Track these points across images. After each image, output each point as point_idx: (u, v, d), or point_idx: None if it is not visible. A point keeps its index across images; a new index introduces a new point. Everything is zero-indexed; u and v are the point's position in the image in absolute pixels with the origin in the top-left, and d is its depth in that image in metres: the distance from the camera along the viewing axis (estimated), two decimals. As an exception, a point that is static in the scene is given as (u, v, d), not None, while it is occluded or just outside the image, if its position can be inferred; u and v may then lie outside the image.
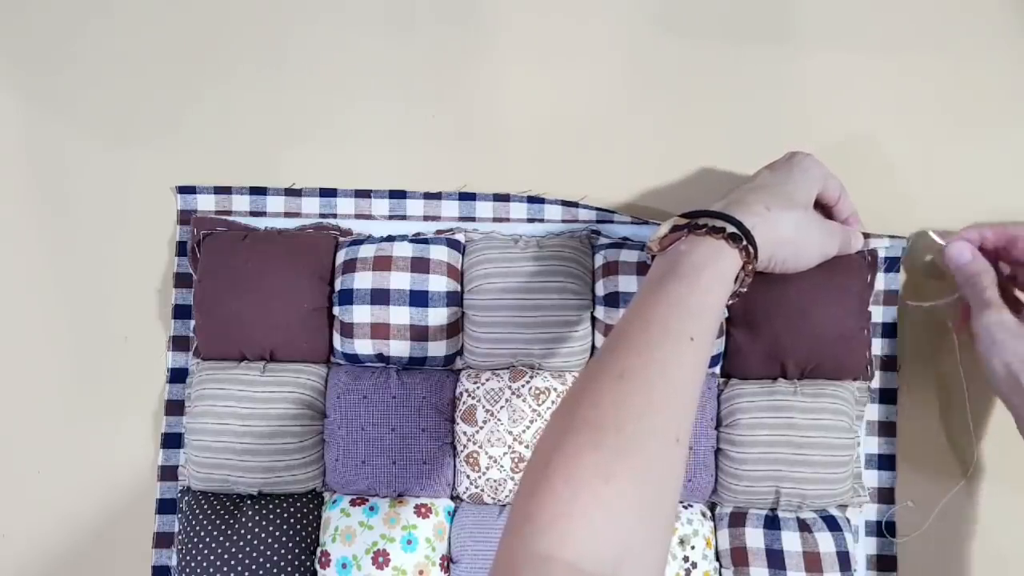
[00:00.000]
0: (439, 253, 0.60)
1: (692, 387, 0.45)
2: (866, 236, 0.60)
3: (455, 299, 0.59)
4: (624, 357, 0.44)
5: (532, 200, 0.62)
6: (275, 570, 0.58)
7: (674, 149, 0.63)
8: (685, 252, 0.49)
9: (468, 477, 0.59)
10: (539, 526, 0.38)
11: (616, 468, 0.40)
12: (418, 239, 0.61)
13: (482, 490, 0.59)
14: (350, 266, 0.59)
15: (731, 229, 0.49)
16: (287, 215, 0.63)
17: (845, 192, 0.58)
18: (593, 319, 0.60)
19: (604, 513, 0.39)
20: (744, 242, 0.49)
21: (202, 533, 0.58)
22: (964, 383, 0.62)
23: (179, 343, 0.63)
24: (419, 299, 0.58)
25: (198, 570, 0.58)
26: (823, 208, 0.59)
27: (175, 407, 0.63)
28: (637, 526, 0.40)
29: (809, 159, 0.56)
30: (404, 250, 0.59)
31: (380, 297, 0.58)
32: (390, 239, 0.61)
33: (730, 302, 0.51)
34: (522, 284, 0.59)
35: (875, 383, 0.61)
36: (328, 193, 0.63)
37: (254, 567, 0.57)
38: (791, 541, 0.57)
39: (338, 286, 0.60)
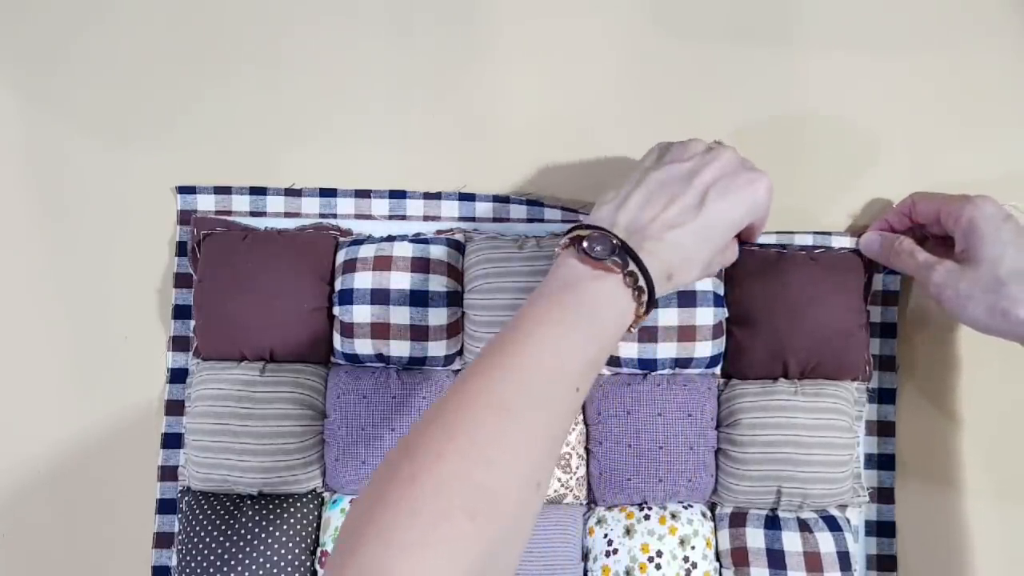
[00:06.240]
0: (439, 253, 0.60)
1: (564, 437, 0.45)
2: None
3: (455, 299, 0.59)
4: (515, 394, 0.42)
5: (531, 203, 0.62)
6: (275, 570, 0.58)
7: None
8: (607, 299, 0.46)
9: (468, 477, 0.59)
10: (397, 546, 0.37)
11: (482, 507, 0.38)
12: (418, 239, 0.61)
13: (482, 490, 0.59)
14: (350, 266, 0.59)
15: (647, 295, 0.47)
16: (287, 215, 0.63)
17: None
18: (593, 319, 0.60)
19: (463, 549, 0.38)
20: (646, 315, 0.48)
21: (202, 533, 0.58)
22: (964, 382, 0.62)
23: (179, 343, 0.63)
24: (419, 299, 0.58)
25: (198, 570, 0.58)
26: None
27: (175, 407, 0.63)
28: (490, 565, 0.39)
29: (764, 193, 0.51)
30: (404, 250, 0.59)
31: (380, 297, 0.58)
32: (390, 239, 0.61)
33: None
34: (522, 284, 0.59)
35: (874, 383, 0.61)
36: (328, 193, 0.63)
37: (254, 567, 0.57)
38: (792, 541, 0.57)
39: (338, 286, 0.60)
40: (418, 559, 0.37)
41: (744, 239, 0.57)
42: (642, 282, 0.47)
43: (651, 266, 0.47)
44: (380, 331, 0.58)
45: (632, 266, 0.47)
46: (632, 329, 0.48)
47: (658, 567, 0.57)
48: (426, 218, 0.63)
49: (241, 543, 0.58)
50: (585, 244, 0.47)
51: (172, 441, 0.62)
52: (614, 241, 0.47)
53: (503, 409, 0.41)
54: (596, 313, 0.46)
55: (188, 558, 0.58)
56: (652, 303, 0.48)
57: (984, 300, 0.53)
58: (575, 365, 0.44)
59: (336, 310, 0.59)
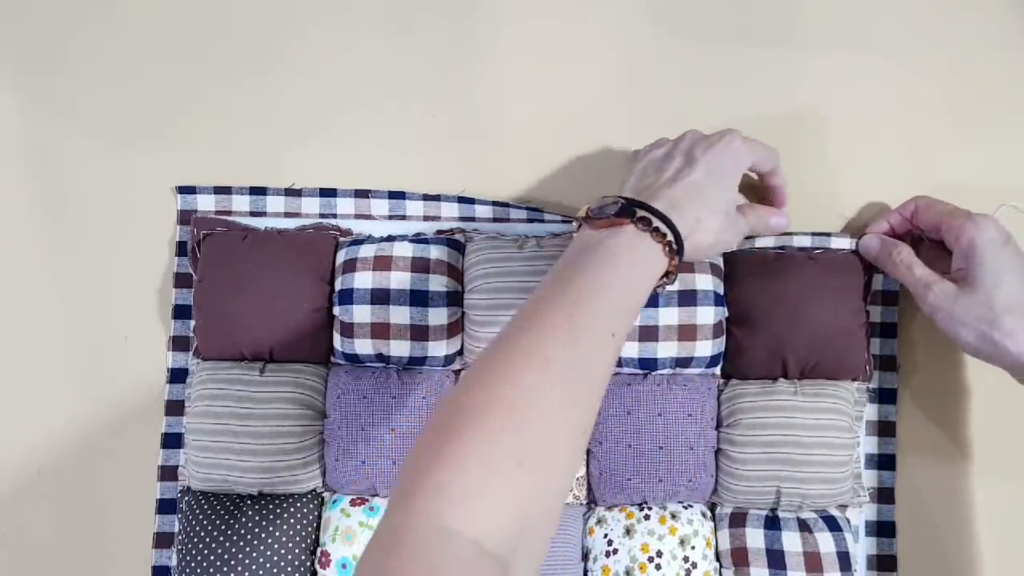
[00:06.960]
0: (439, 253, 0.60)
1: (605, 383, 0.46)
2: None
3: (455, 299, 0.59)
4: (551, 343, 0.43)
5: (531, 209, 0.62)
6: (275, 570, 0.58)
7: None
8: (625, 247, 0.48)
9: (468, 477, 0.59)
10: (449, 499, 0.38)
11: (530, 455, 0.40)
12: (418, 239, 0.61)
13: (482, 490, 0.59)
14: (350, 266, 0.59)
15: (670, 237, 0.49)
16: (287, 215, 0.63)
17: (778, 166, 0.58)
18: (593, 319, 0.60)
19: (512, 496, 0.39)
20: (678, 257, 0.50)
21: (202, 533, 0.58)
22: (964, 383, 0.62)
23: (179, 343, 0.63)
24: (419, 299, 0.58)
25: (198, 570, 0.58)
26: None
27: (175, 407, 0.63)
28: (536, 513, 0.40)
29: (739, 143, 0.55)
30: (404, 250, 0.59)
31: (380, 297, 0.58)
32: (390, 239, 0.61)
33: None
34: (522, 284, 0.58)
35: (874, 383, 0.61)
36: (328, 193, 0.63)
37: (254, 567, 0.57)
38: (791, 541, 0.57)
39: (338, 286, 0.60)
40: (470, 509, 0.38)
41: (768, 187, 0.59)
42: (658, 223, 0.49)
43: (665, 209, 0.50)
44: (380, 331, 0.58)
45: (642, 212, 0.49)
46: (671, 274, 0.50)
47: (658, 567, 0.57)
48: (426, 218, 0.63)
49: (241, 543, 0.58)
50: (591, 212, 0.51)
51: (172, 441, 0.62)
52: (620, 201, 0.50)
53: (544, 362, 0.42)
54: (618, 263, 0.48)
55: (188, 558, 0.58)
56: (681, 246, 0.50)
57: (976, 328, 0.54)
58: (608, 313, 0.46)
59: (336, 310, 0.59)
